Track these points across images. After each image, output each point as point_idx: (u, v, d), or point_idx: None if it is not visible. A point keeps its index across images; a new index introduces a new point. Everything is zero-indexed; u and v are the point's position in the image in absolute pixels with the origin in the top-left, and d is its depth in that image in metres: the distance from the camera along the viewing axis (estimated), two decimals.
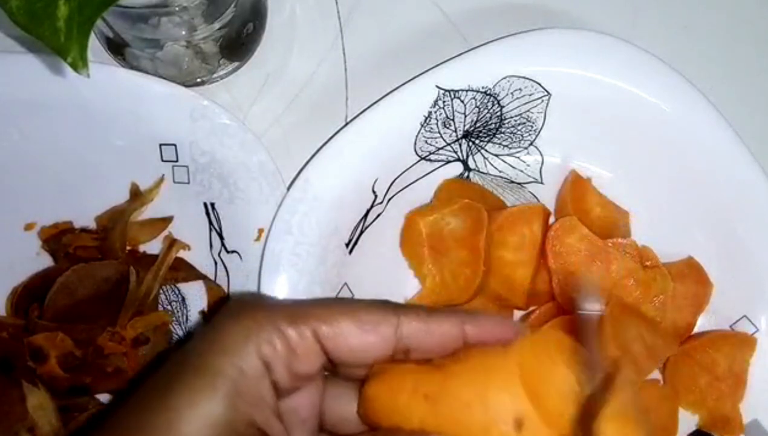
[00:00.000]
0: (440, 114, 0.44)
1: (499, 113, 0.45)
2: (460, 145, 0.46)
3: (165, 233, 0.46)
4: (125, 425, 0.28)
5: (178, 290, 0.46)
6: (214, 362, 0.28)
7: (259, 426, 0.29)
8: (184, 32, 0.44)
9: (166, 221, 0.46)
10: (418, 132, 0.44)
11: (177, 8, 0.41)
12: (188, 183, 0.46)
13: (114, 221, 0.45)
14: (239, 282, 0.45)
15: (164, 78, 0.45)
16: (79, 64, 0.34)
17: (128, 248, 0.46)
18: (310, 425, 0.32)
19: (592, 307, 0.32)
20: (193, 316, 0.46)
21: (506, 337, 0.30)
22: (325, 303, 0.31)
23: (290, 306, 0.31)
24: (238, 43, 0.47)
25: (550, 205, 0.46)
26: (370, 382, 0.30)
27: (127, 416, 0.28)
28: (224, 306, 0.31)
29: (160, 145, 0.45)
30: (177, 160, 0.46)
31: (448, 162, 0.46)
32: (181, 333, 0.45)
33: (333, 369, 0.32)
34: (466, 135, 0.46)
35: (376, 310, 0.30)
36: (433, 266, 0.44)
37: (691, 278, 0.44)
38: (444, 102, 0.44)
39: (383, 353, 0.30)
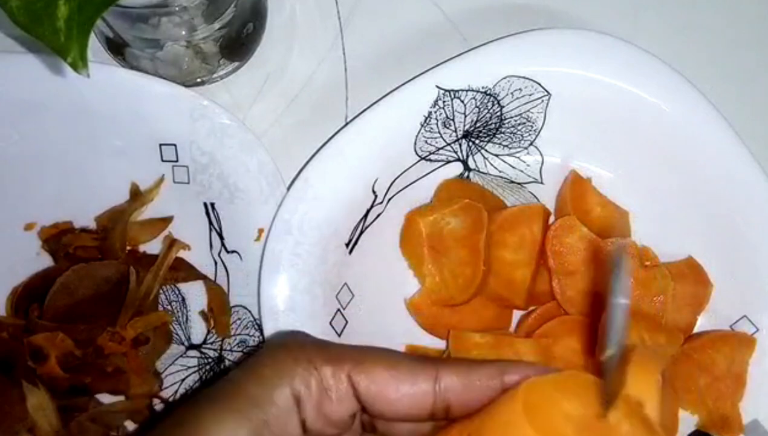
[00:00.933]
0: (440, 114, 0.44)
1: (499, 113, 0.45)
2: (460, 145, 0.46)
3: (165, 233, 0.46)
4: None
5: (178, 290, 0.46)
6: (247, 390, 0.29)
7: None
8: (184, 32, 0.44)
9: (166, 220, 0.46)
10: (418, 132, 0.44)
11: (177, 8, 0.41)
12: (188, 183, 0.46)
13: (114, 221, 0.45)
14: (239, 282, 0.45)
15: (164, 78, 0.45)
16: (79, 64, 0.34)
17: (128, 248, 0.46)
18: None
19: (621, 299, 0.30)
20: (193, 316, 0.46)
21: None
22: (364, 349, 0.31)
23: (329, 347, 0.30)
24: (238, 43, 0.47)
25: (550, 205, 0.46)
26: None
27: (156, 434, 0.29)
28: (266, 343, 0.30)
29: (160, 145, 0.45)
30: (177, 160, 0.46)
31: (448, 162, 0.46)
32: (181, 333, 0.45)
33: (372, 427, 0.32)
34: (466, 135, 0.46)
35: (415, 362, 0.29)
36: (432, 265, 0.44)
37: (691, 278, 0.44)
38: (444, 102, 0.44)
39: (421, 407, 0.29)
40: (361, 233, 0.45)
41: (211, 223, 0.46)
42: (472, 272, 0.43)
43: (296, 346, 0.30)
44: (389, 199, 0.45)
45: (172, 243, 0.45)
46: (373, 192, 0.44)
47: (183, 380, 0.45)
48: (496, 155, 0.47)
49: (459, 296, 0.43)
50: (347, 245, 0.44)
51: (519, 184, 0.47)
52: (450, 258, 0.44)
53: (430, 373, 0.29)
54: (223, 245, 0.45)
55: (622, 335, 0.29)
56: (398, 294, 0.45)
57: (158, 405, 0.44)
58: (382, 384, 0.29)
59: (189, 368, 0.45)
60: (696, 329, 0.45)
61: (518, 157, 0.47)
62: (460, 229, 0.44)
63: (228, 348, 0.44)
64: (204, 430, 0.28)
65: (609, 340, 0.29)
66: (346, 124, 0.46)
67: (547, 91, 0.45)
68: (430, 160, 0.46)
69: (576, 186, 0.45)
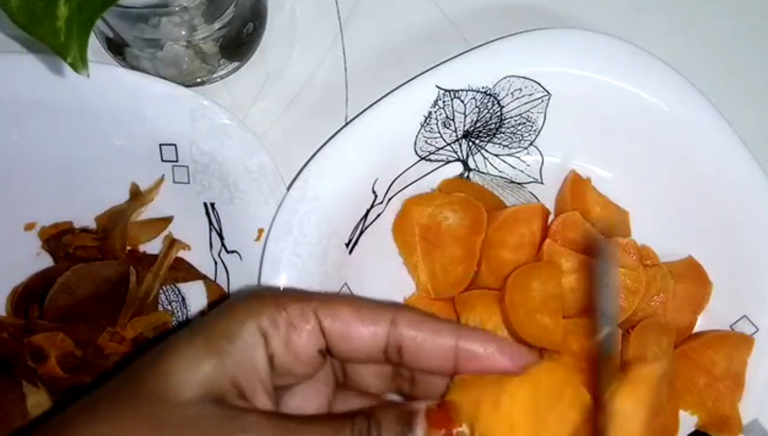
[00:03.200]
0: (440, 114, 0.44)
1: (499, 113, 0.46)
2: (460, 145, 0.46)
3: (165, 233, 0.46)
4: (123, 374, 0.30)
5: (178, 290, 0.46)
6: (216, 324, 0.30)
7: (244, 390, 0.30)
8: (184, 32, 0.44)
9: (166, 220, 0.46)
10: (418, 132, 0.44)
11: (177, 8, 0.41)
12: (188, 183, 0.46)
13: (114, 221, 0.45)
14: (239, 282, 0.45)
15: (164, 78, 0.45)
16: (79, 64, 0.34)
17: (128, 248, 0.46)
18: None
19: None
20: (193, 316, 0.46)
21: (498, 364, 0.31)
22: (330, 294, 0.33)
23: (296, 290, 0.32)
24: (238, 43, 0.47)
25: (550, 206, 0.46)
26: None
27: (126, 369, 0.30)
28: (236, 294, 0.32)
29: (160, 145, 0.45)
30: (177, 160, 0.46)
31: (448, 162, 0.46)
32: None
33: (344, 377, 0.33)
34: (466, 135, 0.46)
35: (376, 305, 0.31)
36: (423, 257, 0.44)
37: (691, 277, 0.44)
38: (444, 102, 0.44)
39: (377, 345, 0.31)
40: (361, 233, 0.45)
41: (211, 223, 0.46)
42: (464, 271, 0.43)
43: (266, 291, 0.32)
44: (389, 199, 0.45)
45: (172, 243, 0.45)
46: (373, 192, 0.44)
47: None
48: (496, 155, 0.47)
49: (447, 290, 0.44)
50: (347, 245, 0.44)
51: (519, 184, 0.47)
52: (444, 253, 0.44)
53: (387, 316, 0.31)
54: (223, 245, 0.45)
55: (614, 314, 0.31)
56: (398, 294, 0.45)
57: None
58: (346, 322, 0.31)
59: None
60: (696, 329, 0.45)
61: (518, 157, 0.47)
62: (458, 226, 0.44)
63: None
64: (170, 366, 0.29)
65: (602, 321, 0.31)
66: (346, 124, 0.46)
67: (547, 91, 0.45)
68: (430, 160, 0.46)
69: (576, 186, 0.45)
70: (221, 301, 0.45)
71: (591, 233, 0.42)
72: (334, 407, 0.34)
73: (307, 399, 0.33)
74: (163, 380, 0.29)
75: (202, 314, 0.45)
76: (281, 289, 0.35)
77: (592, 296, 0.33)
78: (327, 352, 0.31)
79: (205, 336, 0.30)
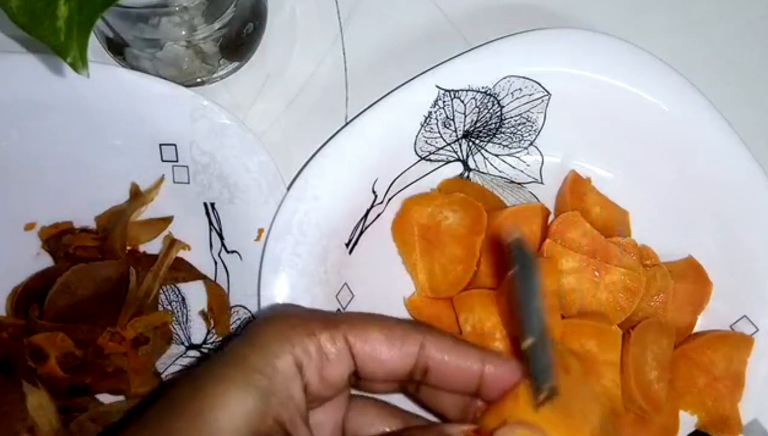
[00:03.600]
0: (440, 114, 0.44)
1: (499, 113, 0.46)
2: (460, 145, 0.46)
3: (165, 233, 0.46)
4: (157, 410, 0.29)
5: (178, 290, 0.46)
6: (249, 359, 0.29)
7: (286, 426, 0.29)
8: (184, 32, 0.44)
9: (166, 220, 0.46)
10: (418, 132, 0.44)
11: (177, 8, 0.41)
12: (188, 183, 0.46)
13: (114, 221, 0.45)
14: (239, 282, 0.45)
15: (164, 78, 0.45)
16: (79, 64, 0.34)
17: (128, 248, 0.46)
18: None
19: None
20: (193, 316, 0.46)
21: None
22: (357, 314, 0.32)
23: (324, 314, 0.32)
24: (238, 43, 0.47)
25: (550, 206, 0.46)
26: None
27: (159, 405, 0.29)
28: (260, 315, 0.30)
29: (160, 145, 0.45)
30: (177, 160, 0.46)
31: (448, 162, 0.46)
32: (181, 333, 0.45)
33: (355, 385, 0.33)
34: (466, 135, 0.46)
35: (405, 325, 0.32)
36: (422, 256, 0.44)
37: (691, 277, 0.44)
38: (444, 102, 0.44)
39: (405, 367, 0.31)
40: (361, 233, 0.45)
41: (211, 223, 0.46)
42: (464, 271, 0.43)
43: (293, 315, 0.31)
44: (389, 199, 0.45)
45: (172, 243, 0.45)
46: (373, 192, 0.44)
47: None
48: (496, 155, 0.47)
49: (446, 290, 0.44)
50: (347, 244, 0.44)
51: (519, 184, 0.47)
52: (444, 253, 0.44)
53: (417, 338, 0.31)
54: (223, 245, 0.45)
55: (538, 322, 0.31)
56: (398, 294, 0.45)
57: None
58: (376, 345, 0.31)
59: (189, 368, 0.45)
60: (696, 329, 0.45)
61: (518, 157, 0.47)
62: (458, 226, 0.44)
63: None
64: (210, 402, 0.28)
65: (526, 329, 0.31)
66: (346, 124, 0.46)
67: (547, 91, 0.45)
68: (430, 160, 0.46)
69: (576, 186, 0.45)
70: (221, 301, 0.45)
71: (503, 239, 0.39)
72: (348, 420, 0.34)
73: (327, 414, 0.33)
74: (202, 423, 0.28)
75: (203, 314, 0.45)
76: (304, 308, 0.34)
77: (516, 307, 0.32)
78: (354, 374, 0.32)
79: (241, 373, 0.29)
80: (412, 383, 0.33)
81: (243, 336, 0.30)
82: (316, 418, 0.32)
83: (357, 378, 0.33)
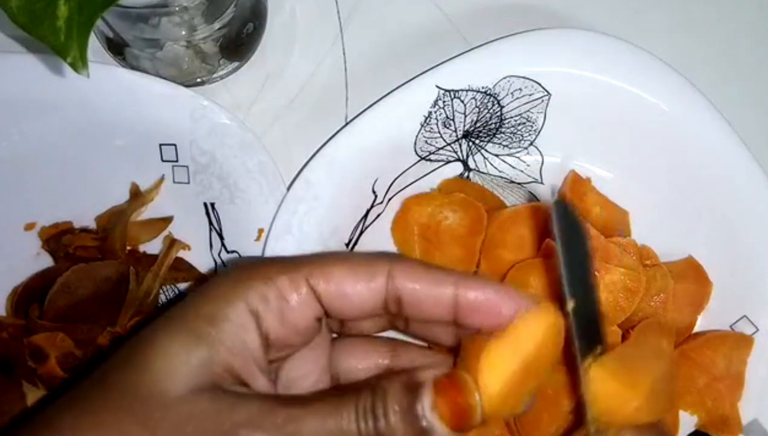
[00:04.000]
0: (440, 114, 0.44)
1: (499, 113, 0.46)
2: (460, 145, 0.46)
3: (165, 233, 0.46)
4: (103, 367, 0.29)
5: (178, 290, 0.46)
6: (200, 309, 0.28)
7: (241, 375, 0.28)
8: (184, 32, 0.44)
9: (166, 220, 0.46)
10: (418, 132, 0.44)
11: (177, 8, 0.41)
12: (188, 183, 0.46)
13: (114, 221, 0.45)
14: None
15: (164, 78, 0.45)
16: (79, 64, 0.34)
17: (128, 248, 0.46)
18: (321, 387, 0.32)
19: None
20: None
21: (497, 309, 0.30)
22: (319, 254, 0.31)
23: (284, 258, 0.30)
24: (238, 43, 0.47)
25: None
26: None
27: (107, 362, 0.29)
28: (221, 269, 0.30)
29: (160, 145, 0.45)
30: (177, 160, 0.46)
31: (448, 162, 0.46)
32: None
33: (339, 330, 0.32)
34: (466, 135, 0.46)
35: (370, 257, 0.30)
36: (421, 256, 0.44)
37: (691, 277, 0.44)
38: (444, 102, 0.44)
39: (376, 301, 0.30)
40: (361, 233, 0.45)
41: (211, 223, 0.46)
42: (463, 271, 0.43)
43: (250, 264, 0.30)
44: (389, 199, 0.45)
45: (172, 243, 0.45)
46: (373, 192, 0.44)
47: None
48: (496, 155, 0.47)
49: None
50: (347, 245, 0.44)
51: (519, 184, 0.47)
52: (444, 253, 0.44)
53: (383, 268, 0.30)
54: (223, 245, 0.45)
55: (582, 283, 0.30)
56: None
57: None
58: (341, 282, 0.29)
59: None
60: (696, 329, 0.45)
61: (518, 157, 0.47)
62: (458, 226, 0.44)
63: None
64: (153, 354, 0.27)
65: (569, 291, 0.30)
66: (346, 124, 0.46)
67: (547, 91, 0.45)
68: (430, 160, 0.46)
69: (576, 186, 0.45)
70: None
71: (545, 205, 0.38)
72: (336, 363, 0.33)
73: (307, 365, 0.32)
74: (149, 376, 0.27)
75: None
76: (266, 257, 0.33)
77: (558, 269, 0.30)
78: (324, 315, 0.30)
79: (190, 323, 0.28)
80: (394, 317, 0.31)
81: (199, 287, 0.30)
82: (298, 371, 0.31)
83: (334, 321, 0.31)
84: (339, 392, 0.29)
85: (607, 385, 0.29)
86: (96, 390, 0.28)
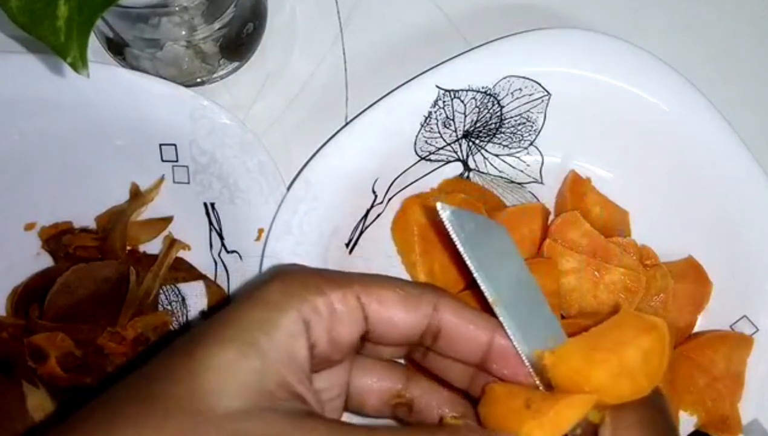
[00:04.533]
0: (440, 114, 0.44)
1: (499, 113, 0.46)
2: (460, 145, 0.46)
3: (165, 233, 0.46)
4: (145, 375, 0.27)
5: (178, 290, 0.46)
6: (252, 315, 0.27)
7: (293, 389, 0.27)
8: (184, 32, 0.44)
9: (166, 220, 0.46)
10: (418, 132, 0.44)
11: (177, 8, 0.41)
12: (188, 183, 0.46)
13: (114, 221, 0.45)
14: (239, 282, 0.45)
15: (164, 78, 0.45)
16: (79, 64, 0.34)
17: (128, 248, 0.46)
18: (338, 404, 0.32)
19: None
20: (193, 316, 0.45)
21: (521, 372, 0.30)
22: (369, 275, 0.31)
23: (335, 273, 0.30)
24: (238, 43, 0.47)
25: (550, 206, 0.46)
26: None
27: (147, 370, 0.27)
28: (268, 272, 0.29)
29: (160, 145, 0.45)
30: (177, 160, 0.46)
31: (448, 162, 0.46)
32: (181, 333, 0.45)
33: (359, 350, 0.32)
34: (466, 135, 0.46)
35: (420, 287, 0.30)
36: (421, 255, 0.44)
37: (691, 277, 0.44)
38: (444, 102, 0.44)
39: (417, 330, 0.30)
40: (361, 233, 0.45)
41: (211, 223, 0.46)
42: (463, 272, 0.43)
43: (302, 272, 0.29)
44: (389, 199, 0.45)
45: (172, 243, 0.45)
46: (373, 192, 0.44)
47: None
48: (496, 155, 0.47)
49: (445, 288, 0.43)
50: (347, 245, 0.44)
51: (519, 184, 0.47)
52: (443, 252, 0.44)
53: (431, 300, 0.30)
54: (223, 245, 0.45)
55: (504, 281, 0.31)
56: None
57: None
58: (390, 305, 0.29)
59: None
60: (696, 329, 0.45)
61: (518, 157, 0.47)
62: None
63: None
64: (202, 364, 0.26)
65: (488, 294, 0.30)
66: (346, 124, 0.46)
67: (547, 91, 0.45)
68: (430, 160, 0.46)
69: (576, 186, 0.45)
70: (221, 301, 0.45)
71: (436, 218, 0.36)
72: (352, 379, 0.33)
73: (333, 378, 0.31)
74: (194, 387, 0.25)
75: (203, 314, 0.45)
76: (310, 268, 0.31)
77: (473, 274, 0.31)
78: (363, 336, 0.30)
79: (239, 331, 0.26)
80: (420, 348, 0.32)
81: (250, 292, 0.28)
82: (323, 383, 0.31)
83: (363, 341, 0.31)
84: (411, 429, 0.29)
85: (569, 363, 0.29)
86: (134, 401, 0.26)
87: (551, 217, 0.46)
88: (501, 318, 0.30)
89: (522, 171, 0.47)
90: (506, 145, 0.47)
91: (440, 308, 0.30)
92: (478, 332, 0.30)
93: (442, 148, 0.46)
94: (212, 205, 0.45)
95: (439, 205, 0.30)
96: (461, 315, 0.30)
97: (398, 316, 0.29)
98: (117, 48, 0.47)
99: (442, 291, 0.31)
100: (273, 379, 0.26)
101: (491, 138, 0.47)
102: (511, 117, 0.46)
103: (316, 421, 0.26)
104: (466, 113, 0.45)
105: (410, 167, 0.45)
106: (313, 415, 0.26)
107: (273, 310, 0.27)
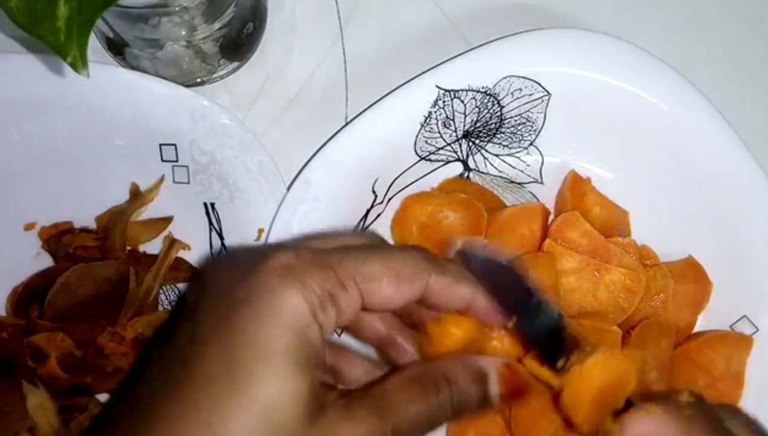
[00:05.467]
0: (440, 114, 0.44)
1: (499, 113, 0.46)
2: (460, 145, 0.46)
3: (165, 233, 0.46)
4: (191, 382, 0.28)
5: (178, 290, 0.46)
6: (283, 340, 0.28)
7: (324, 382, 0.30)
8: (184, 32, 0.44)
9: (166, 220, 0.46)
10: (418, 132, 0.44)
11: (177, 8, 0.41)
12: (188, 183, 0.46)
13: (114, 221, 0.45)
14: None
15: (164, 78, 0.45)
16: (79, 64, 0.34)
17: (128, 248, 0.46)
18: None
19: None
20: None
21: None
22: (364, 253, 0.32)
23: (331, 257, 0.31)
24: (238, 43, 0.47)
25: (550, 206, 0.46)
26: None
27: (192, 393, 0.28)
28: (258, 257, 0.30)
29: (160, 145, 0.45)
30: (177, 160, 0.46)
31: (448, 162, 0.46)
32: None
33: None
34: (466, 135, 0.46)
35: (413, 264, 0.32)
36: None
37: (691, 277, 0.44)
38: (444, 102, 0.44)
39: (409, 300, 0.32)
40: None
41: (211, 223, 0.46)
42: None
43: (301, 271, 0.30)
44: (389, 199, 0.45)
45: (172, 243, 0.45)
46: (373, 192, 0.44)
47: None
48: (496, 155, 0.47)
49: None
50: None
51: (519, 184, 0.47)
52: (443, 253, 0.44)
53: (425, 278, 0.32)
54: (223, 245, 0.45)
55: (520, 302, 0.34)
56: None
57: None
58: (385, 288, 0.31)
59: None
60: (696, 329, 0.45)
61: (518, 157, 0.47)
62: (458, 226, 0.44)
63: None
64: (252, 372, 0.28)
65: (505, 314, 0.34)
66: (346, 124, 0.46)
67: (547, 91, 0.45)
68: (430, 160, 0.46)
69: (576, 186, 0.45)
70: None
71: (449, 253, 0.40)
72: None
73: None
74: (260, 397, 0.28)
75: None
76: (304, 241, 0.33)
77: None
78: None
79: (286, 354, 0.28)
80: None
81: (251, 304, 0.29)
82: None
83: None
84: (415, 379, 0.31)
85: (607, 365, 0.32)
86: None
87: (551, 217, 0.46)
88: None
89: (522, 171, 0.47)
90: (506, 145, 0.47)
91: (432, 280, 0.32)
92: (466, 295, 0.33)
93: (442, 148, 0.46)
94: (212, 205, 0.45)
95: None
96: (451, 285, 0.33)
97: (391, 294, 0.31)
98: (117, 48, 0.47)
99: (435, 265, 0.33)
100: (316, 384, 0.29)
101: (491, 138, 0.47)
102: (511, 117, 0.46)
103: (354, 401, 0.30)
104: (466, 113, 0.45)
105: (410, 167, 0.45)
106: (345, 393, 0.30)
107: (299, 325, 0.29)
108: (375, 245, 0.34)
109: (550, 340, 0.33)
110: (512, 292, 0.34)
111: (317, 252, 0.31)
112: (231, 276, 0.30)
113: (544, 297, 0.34)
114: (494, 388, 0.32)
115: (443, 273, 0.32)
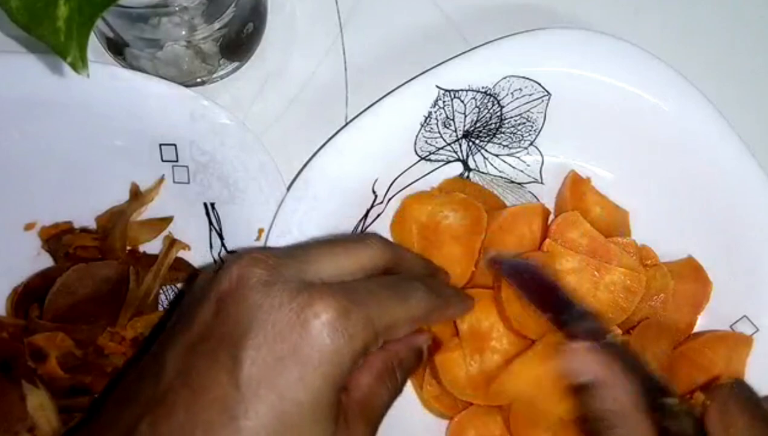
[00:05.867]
0: (440, 114, 0.44)
1: (499, 113, 0.46)
2: (460, 145, 0.46)
3: (165, 233, 0.46)
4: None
5: (178, 290, 0.46)
6: (333, 390, 0.31)
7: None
8: (184, 32, 0.44)
9: (166, 221, 0.46)
10: (418, 132, 0.45)
11: (177, 8, 0.41)
12: (188, 183, 0.46)
13: (114, 221, 0.45)
14: None
15: (164, 78, 0.45)
16: (79, 64, 0.34)
17: (128, 248, 0.46)
18: None
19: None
20: None
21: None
22: (387, 298, 0.34)
23: (370, 308, 0.33)
24: (238, 43, 0.47)
25: (550, 206, 0.46)
26: None
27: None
28: (302, 305, 0.31)
29: (160, 145, 0.45)
30: (177, 160, 0.46)
31: (448, 162, 0.46)
32: None
33: None
34: (466, 135, 0.46)
35: (425, 305, 0.35)
36: (420, 253, 0.44)
37: (691, 277, 0.44)
38: (444, 102, 0.44)
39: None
40: (361, 232, 0.45)
41: (211, 223, 0.46)
42: (462, 271, 0.43)
43: (330, 318, 0.31)
44: (389, 200, 0.45)
45: (172, 243, 0.45)
46: (373, 192, 0.44)
47: None
48: (496, 155, 0.47)
49: None
50: None
51: (519, 184, 0.47)
52: (442, 252, 0.44)
53: (432, 317, 0.37)
54: (223, 245, 0.45)
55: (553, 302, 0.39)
56: None
57: None
58: (401, 333, 0.35)
59: None
60: (696, 329, 0.45)
61: (518, 157, 0.47)
62: (458, 226, 0.44)
63: None
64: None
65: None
66: (346, 124, 0.46)
67: (547, 91, 0.45)
68: (430, 160, 0.46)
69: (576, 186, 0.45)
70: None
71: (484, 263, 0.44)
72: None
73: None
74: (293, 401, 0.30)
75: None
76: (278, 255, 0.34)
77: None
78: None
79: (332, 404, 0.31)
80: None
81: (292, 348, 0.31)
82: None
83: None
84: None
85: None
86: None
87: (551, 217, 0.46)
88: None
89: (522, 171, 0.47)
90: (506, 145, 0.47)
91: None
92: (451, 315, 0.40)
93: (442, 148, 0.46)
94: (212, 205, 0.45)
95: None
96: (444, 311, 0.38)
97: (404, 332, 0.35)
98: (117, 48, 0.47)
99: (446, 303, 0.37)
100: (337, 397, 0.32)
101: (491, 138, 0.47)
102: (511, 117, 0.46)
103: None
104: (466, 113, 0.45)
105: (410, 167, 0.45)
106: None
107: (339, 372, 0.31)
108: (390, 282, 0.35)
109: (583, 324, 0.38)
110: (540, 290, 0.39)
111: (350, 293, 0.32)
112: (277, 330, 0.30)
113: (566, 292, 0.39)
114: (425, 355, 0.38)
115: (445, 306, 0.37)
